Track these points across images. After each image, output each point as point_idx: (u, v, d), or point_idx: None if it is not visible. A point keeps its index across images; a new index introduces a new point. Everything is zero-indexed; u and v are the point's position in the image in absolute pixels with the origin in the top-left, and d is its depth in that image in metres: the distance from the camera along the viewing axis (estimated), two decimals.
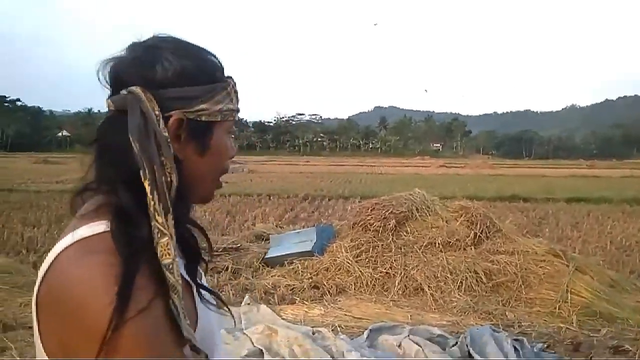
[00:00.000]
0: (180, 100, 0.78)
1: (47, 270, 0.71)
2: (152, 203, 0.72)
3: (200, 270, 0.95)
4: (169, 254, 0.70)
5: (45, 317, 0.70)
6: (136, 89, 0.76)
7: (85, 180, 0.80)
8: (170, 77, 0.78)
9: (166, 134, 0.75)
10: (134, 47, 0.81)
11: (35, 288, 0.71)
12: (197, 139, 0.81)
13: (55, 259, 0.71)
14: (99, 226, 0.73)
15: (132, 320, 0.64)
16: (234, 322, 4.22)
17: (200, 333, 0.78)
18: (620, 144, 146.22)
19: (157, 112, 0.75)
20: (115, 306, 0.63)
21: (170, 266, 0.70)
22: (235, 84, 0.88)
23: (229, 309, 0.92)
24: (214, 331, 0.87)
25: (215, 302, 0.88)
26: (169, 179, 0.74)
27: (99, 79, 0.80)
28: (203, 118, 0.81)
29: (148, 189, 0.72)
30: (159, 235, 0.71)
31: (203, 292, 0.86)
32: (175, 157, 0.77)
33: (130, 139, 0.73)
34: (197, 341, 0.76)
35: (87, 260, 0.69)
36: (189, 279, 0.83)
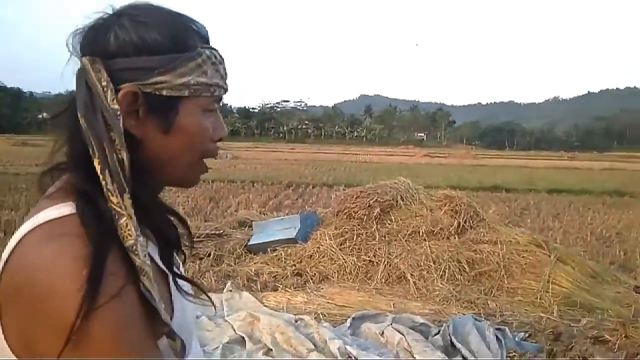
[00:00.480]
0: (134, 71, 0.71)
1: (9, 256, 0.65)
2: (104, 183, 0.66)
3: (178, 259, 0.89)
4: (130, 235, 0.65)
5: (7, 308, 0.63)
6: (84, 60, 0.70)
7: (55, 159, 0.74)
8: (124, 45, 0.71)
9: (115, 107, 0.69)
10: (98, 16, 0.74)
11: None
12: (158, 115, 0.74)
13: (17, 243, 0.65)
14: (65, 207, 0.68)
15: (103, 307, 0.59)
16: (215, 309, 4.17)
17: (176, 324, 0.73)
18: (602, 137, 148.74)
19: (104, 84, 0.69)
20: (85, 292, 0.58)
21: (134, 247, 0.65)
22: (217, 56, 0.79)
23: (209, 297, 0.86)
24: (190, 323, 0.83)
25: (193, 292, 0.82)
26: (120, 156, 0.68)
27: (69, 51, 0.74)
28: (164, 92, 0.73)
29: (98, 168, 0.67)
30: (116, 217, 0.66)
31: (180, 282, 0.80)
32: (132, 135, 0.72)
33: (78, 114, 0.68)
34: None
35: (52, 244, 0.63)
36: (164, 268, 0.77)
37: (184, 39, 0.75)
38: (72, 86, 0.72)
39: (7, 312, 0.63)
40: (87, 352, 0.59)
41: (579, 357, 3.97)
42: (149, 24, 0.72)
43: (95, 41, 0.72)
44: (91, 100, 0.68)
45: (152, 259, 0.73)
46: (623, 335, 4.32)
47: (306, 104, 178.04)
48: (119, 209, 0.66)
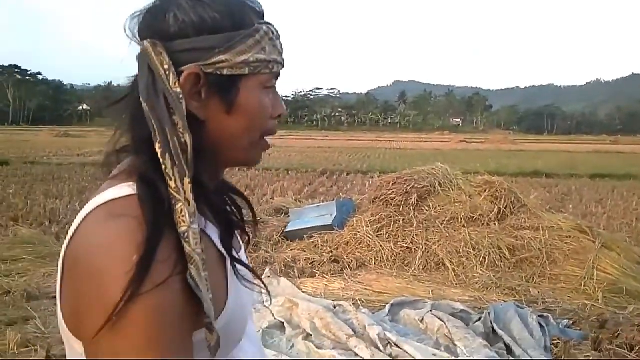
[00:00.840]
0: (195, 52, 0.70)
1: (73, 233, 0.67)
2: (164, 167, 0.66)
3: (241, 243, 0.89)
4: (184, 222, 0.64)
5: (66, 281, 0.66)
6: (145, 43, 0.69)
7: (121, 143, 0.75)
8: (184, 26, 0.70)
9: (178, 90, 0.68)
10: None
11: (62, 251, 0.68)
12: (220, 95, 0.73)
13: (82, 221, 0.67)
14: (127, 188, 0.68)
15: (146, 295, 0.59)
16: (270, 296, 4.21)
17: (231, 308, 0.73)
18: None
19: (166, 67, 0.68)
20: (132, 277, 0.59)
21: (186, 234, 0.64)
22: (274, 31, 0.77)
23: (264, 285, 0.84)
24: (246, 306, 0.81)
25: (249, 279, 0.80)
26: (182, 139, 0.67)
27: (127, 35, 0.74)
28: (225, 72, 0.71)
29: (159, 151, 0.66)
30: (173, 202, 0.65)
31: (238, 266, 0.78)
32: (194, 116, 0.71)
33: (140, 99, 0.67)
34: (227, 317, 0.72)
35: (109, 224, 0.64)
36: (223, 251, 0.75)
37: (241, 16, 0.74)
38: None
39: (66, 286, 0.66)
40: (122, 336, 0.59)
41: (625, 345, 3.85)
42: (207, 3, 0.71)
43: (154, 24, 0.71)
44: (153, 83, 0.68)
45: (212, 241, 0.73)
46: None
47: (339, 91, 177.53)
48: (176, 194, 0.65)
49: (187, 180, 0.66)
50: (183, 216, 0.64)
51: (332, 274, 5.55)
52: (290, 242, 6.57)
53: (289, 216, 7.48)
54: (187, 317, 0.64)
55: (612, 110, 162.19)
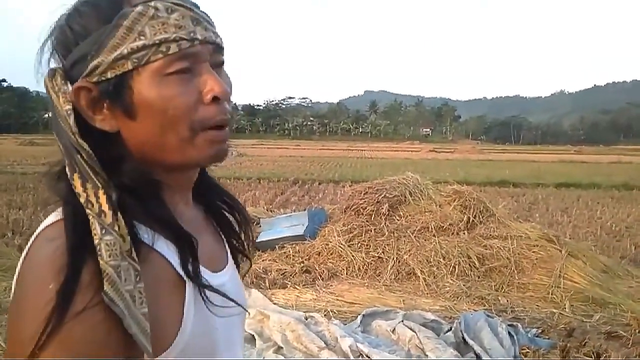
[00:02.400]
0: (77, 65, 0.65)
1: (25, 254, 0.64)
2: (73, 187, 0.62)
3: (232, 266, 0.84)
4: (95, 234, 0.59)
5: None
6: (45, 75, 0.66)
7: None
8: (65, 43, 0.66)
9: (66, 108, 0.63)
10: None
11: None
12: (116, 101, 0.65)
13: (32, 242, 0.64)
14: (61, 212, 0.65)
15: (68, 324, 0.55)
16: (248, 314, 4.13)
17: (189, 334, 0.66)
18: (608, 130, 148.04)
19: (56, 89, 0.64)
20: (53, 308, 0.55)
21: (98, 248, 0.58)
22: (158, 7, 0.65)
23: (242, 306, 0.77)
24: (214, 332, 0.72)
25: (222, 302, 0.72)
26: (84, 154, 0.62)
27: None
28: (108, 75, 0.64)
29: (68, 173, 0.62)
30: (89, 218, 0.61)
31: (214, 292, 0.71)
32: (103, 132, 0.66)
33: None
34: (183, 343, 0.66)
35: (42, 249, 0.61)
36: (183, 274, 0.68)
37: (110, 9, 0.64)
38: None
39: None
40: None
41: (592, 353, 3.92)
42: (80, 11, 0.66)
43: (54, 49, 0.68)
44: (53, 110, 0.64)
45: (166, 260, 0.67)
46: (637, 331, 4.28)
47: (311, 100, 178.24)
48: (88, 210, 0.60)
49: (101, 192, 0.61)
50: (94, 229, 0.59)
51: (304, 285, 5.51)
52: (262, 252, 6.50)
53: (260, 226, 7.41)
54: (116, 343, 0.58)
55: (576, 121, 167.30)
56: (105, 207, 0.60)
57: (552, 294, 5.19)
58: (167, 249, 0.67)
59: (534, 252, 5.81)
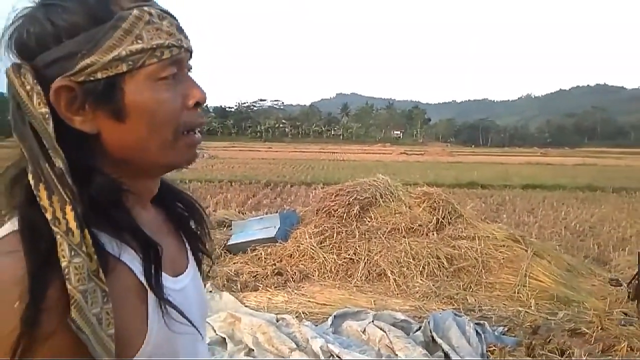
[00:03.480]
0: (59, 63, 0.61)
1: None
2: (38, 199, 0.58)
3: (194, 267, 0.84)
4: (64, 257, 0.56)
5: None
6: (8, 69, 0.61)
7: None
8: (41, 39, 0.62)
9: (43, 110, 0.60)
10: (19, 14, 0.65)
11: None
12: (104, 102, 0.64)
13: None
14: (9, 225, 0.61)
15: (36, 351, 0.54)
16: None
17: (154, 341, 0.66)
18: (573, 133, 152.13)
19: (28, 88, 0.60)
20: (20, 334, 0.53)
21: (66, 271, 0.56)
22: (152, 12, 0.65)
23: (192, 324, 0.72)
24: (178, 337, 0.71)
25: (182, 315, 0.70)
26: (55, 164, 0.59)
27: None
28: (98, 75, 0.62)
29: (32, 183, 0.59)
30: (55, 236, 0.57)
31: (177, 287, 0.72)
32: (84, 133, 0.64)
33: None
34: (149, 351, 0.65)
35: (1, 264, 0.58)
36: (145, 283, 0.66)
37: (104, 8, 0.63)
38: None
39: None
40: None
41: (557, 350, 4.03)
42: (61, 5, 0.63)
43: (16, 45, 0.63)
44: (18, 111, 0.60)
45: (130, 270, 0.66)
46: (599, 328, 4.41)
47: (283, 102, 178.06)
48: (55, 227, 0.57)
49: (68, 207, 0.58)
50: (62, 250, 0.56)
51: (276, 287, 5.51)
52: (233, 255, 6.48)
53: (232, 229, 7.39)
54: None
55: (542, 124, 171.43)
56: (72, 224, 0.57)
57: (518, 293, 5.32)
58: (131, 259, 0.66)
59: (500, 252, 5.95)
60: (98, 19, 0.63)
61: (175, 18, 0.70)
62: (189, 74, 0.73)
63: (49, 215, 0.57)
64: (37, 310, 0.54)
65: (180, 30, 0.69)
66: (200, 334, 0.78)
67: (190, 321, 0.71)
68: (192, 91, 0.70)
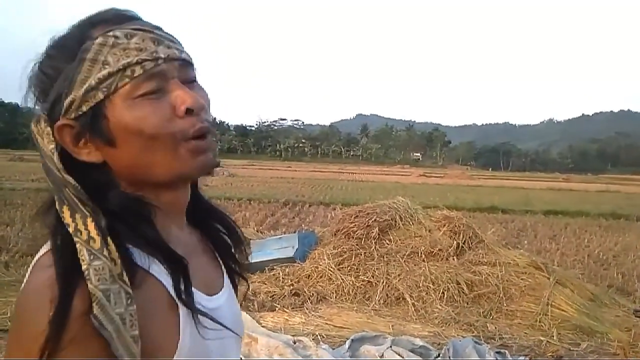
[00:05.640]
0: (55, 106, 0.67)
1: (24, 282, 0.66)
2: (62, 217, 0.64)
3: (229, 288, 0.85)
4: (84, 260, 0.60)
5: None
6: (32, 122, 0.69)
7: None
8: (42, 88, 0.69)
9: (50, 147, 0.66)
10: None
11: None
12: (95, 133, 0.67)
13: (30, 270, 0.66)
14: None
15: (64, 352, 0.58)
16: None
17: (185, 355, 0.68)
18: (596, 159, 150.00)
19: (41, 131, 0.68)
20: (47, 336, 0.57)
21: (86, 273, 0.60)
22: (117, 34, 0.67)
23: (229, 329, 0.75)
24: (210, 353, 0.74)
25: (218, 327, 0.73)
26: (71, 186, 0.65)
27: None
28: (84, 108, 0.66)
29: (57, 204, 0.65)
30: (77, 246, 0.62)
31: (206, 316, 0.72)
32: (93, 163, 0.69)
33: None
34: None
35: (36, 276, 0.64)
36: (175, 297, 0.69)
37: (76, 46, 0.67)
38: None
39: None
40: None
41: None
42: (50, 55, 0.69)
43: (38, 95, 0.70)
44: (40, 152, 0.67)
45: (161, 283, 0.68)
46: None
47: (303, 122, 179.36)
48: (76, 237, 0.62)
49: (89, 220, 0.63)
50: (82, 255, 0.61)
51: (293, 308, 5.48)
52: (251, 274, 6.48)
53: (250, 247, 7.40)
54: None
55: (564, 149, 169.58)
56: (93, 233, 0.62)
57: (539, 322, 5.21)
58: (161, 272, 0.69)
59: (522, 279, 5.85)
60: (72, 57, 0.66)
61: (151, 31, 0.69)
62: (194, 84, 0.73)
63: (71, 229, 0.62)
64: (64, 314, 0.58)
65: (157, 42, 0.68)
66: (238, 335, 0.81)
67: (224, 325, 0.74)
68: (179, 99, 0.68)
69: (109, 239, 0.62)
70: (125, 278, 0.62)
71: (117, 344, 0.60)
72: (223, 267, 0.87)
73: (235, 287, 0.89)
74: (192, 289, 0.71)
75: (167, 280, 0.69)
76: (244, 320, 3.82)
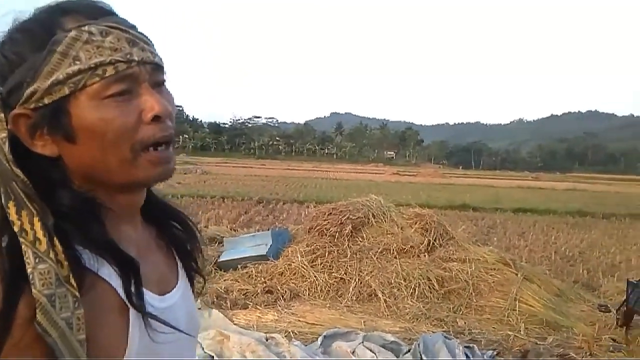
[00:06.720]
0: (13, 93, 0.64)
1: None
2: (7, 215, 0.60)
3: (184, 285, 0.83)
4: (29, 263, 0.58)
5: None
6: None
7: None
8: (1, 71, 0.65)
9: (2, 135, 0.63)
10: None
11: None
12: (55, 126, 0.65)
13: None
14: None
15: (4, 356, 0.56)
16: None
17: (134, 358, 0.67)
18: (564, 158, 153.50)
19: None
20: None
21: (31, 277, 0.57)
22: (93, 31, 0.65)
23: (182, 331, 0.73)
24: (161, 354, 0.71)
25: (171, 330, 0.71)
26: (20, 181, 0.61)
27: None
28: (45, 101, 0.63)
29: (3, 201, 0.61)
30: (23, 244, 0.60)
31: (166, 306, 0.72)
32: (47, 156, 0.66)
33: None
34: None
35: None
36: (125, 300, 0.67)
37: (43, 35, 0.64)
38: None
39: None
40: None
41: None
42: (14, 38, 0.66)
43: None
44: None
45: (110, 286, 0.66)
46: (588, 354, 4.43)
47: (277, 120, 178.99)
48: (22, 238, 0.59)
49: (36, 219, 0.60)
50: (27, 258, 0.58)
51: (266, 305, 5.49)
52: (224, 272, 6.45)
53: (223, 245, 7.36)
54: None
55: (534, 149, 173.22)
56: (40, 234, 0.59)
57: (507, 317, 5.33)
58: (111, 275, 0.67)
59: (491, 275, 5.97)
60: (40, 46, 0.63)
61: (127, 31, 0.68)
62: (162, 87, 0.72)
63: (16, 228, 0.59)
64: (7, 321, 0.56)
65: (132, 43, 0.67)
66: (190, 335, 0.78)
67: (174, 327, 0.71)
68: (148, 105, 0.67)
69: (55, 240, 0.60)
70: (73, 281, 0.60)
71: (62, 348, 0.58)
72: (179, 263, 0.86)
73: (192, 282, 0.88)
74: (144, 290, 0.69)
75: (117, 282, 0.67)
76: (215, 318, 3.79)
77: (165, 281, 0.79)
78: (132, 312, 0.67)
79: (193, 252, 0.88)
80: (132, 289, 0.67)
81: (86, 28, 0.64)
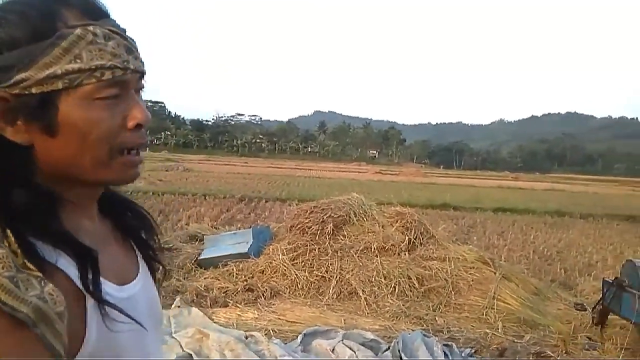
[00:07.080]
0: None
1: None
2: None
3: (145, 276, 0.83)
4: None
5: None
6: None
7: None
8: None
9: None
10: None
11: None
12: (37, 117, 0.65)
13: None
14: None
15: None
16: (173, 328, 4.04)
17: (93, 345, 0.66)
18: (544, 158, 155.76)
19: None
20: None
21: None
22: (97, 32, 0.66)
23: (138, 322, 0.72)
24: (121, 352, 0.71)
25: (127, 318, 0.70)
26: None
27: None
28: (33, 90, 0.63)
29: None
30: None
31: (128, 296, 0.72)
32: (17, 143, 0.66)
33: None
34: (87, 355, 0.65)
35: None
36: (82, 287, 0.66)
37: (48, 24, 0.64)
38: None
39: None
40: None
41: None
42: (9, 19, 0.64)
43: None
44: None
45: (66, 276, 0.65)
46: (563, 352, 4.50)
47: (261, 118, 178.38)
48: None
49: None
50: None
51: (246, 303, 5.47)
52: (204, 270, 6.42)
53: (204, 243, 7.32)
54: (30, 350, 0.58)
55: (514, 149, 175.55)
56: None
57: (486, 315, 5.39)
58: (68, 265, 0.66)
59: (470, 273, 6.03)
60: (39, 34, 0.63)
61: (126, 38, 0.70)
62: (141, 94, 0.74)
63: None
64: None
65: (129, 51, 0.69)
66: (145, 328, 0.75)
67: (131, 317, 0.70)
68: (133, 112, 0.70)
69: (8, 231, 0.60)
70: (31, 267, 0.59)
71: (38, 322, 0.57)
72: (139, 255, 0.86)
73: (153, 274, 0.88)
74: (102, 279, 0.68)
75: (74, 272, 0.66)
76: (195, 316, 3.77)
77: (124, 272, 0.79)
78: (90, 302, 0.67)
79: (150, 242, 0.88)
80: (90, 277, 0.66)
81: (91, 29, 0.65)
